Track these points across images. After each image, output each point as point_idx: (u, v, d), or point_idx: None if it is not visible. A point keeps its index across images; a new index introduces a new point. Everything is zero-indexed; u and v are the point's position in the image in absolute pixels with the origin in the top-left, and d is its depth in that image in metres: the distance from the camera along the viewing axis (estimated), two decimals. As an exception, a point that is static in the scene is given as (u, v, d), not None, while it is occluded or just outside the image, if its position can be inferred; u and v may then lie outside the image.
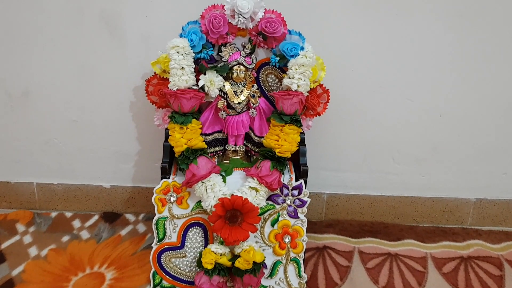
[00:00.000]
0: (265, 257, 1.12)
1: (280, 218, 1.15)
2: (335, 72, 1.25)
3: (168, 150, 1.16)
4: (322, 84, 1.18)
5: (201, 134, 1.15)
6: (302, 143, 1.17)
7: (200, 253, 1.13)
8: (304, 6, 1.26)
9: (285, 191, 1.15)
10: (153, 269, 1.15)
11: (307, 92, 1.14)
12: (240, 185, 1.13)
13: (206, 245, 1.15)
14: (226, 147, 1.24)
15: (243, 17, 1.11)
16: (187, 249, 1.16)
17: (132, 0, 1.27)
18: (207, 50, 1.14)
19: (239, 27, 1.13)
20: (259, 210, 1.09)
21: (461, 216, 1.52)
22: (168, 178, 1.15)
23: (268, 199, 1.15)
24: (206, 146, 1.14)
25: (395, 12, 1.28)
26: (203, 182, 1.10)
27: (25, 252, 1.30)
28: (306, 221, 1.16)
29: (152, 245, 1.15)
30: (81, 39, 1.31)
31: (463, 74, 1.35)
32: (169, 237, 1.15)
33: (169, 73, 1.10)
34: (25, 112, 1.41)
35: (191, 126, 1.12)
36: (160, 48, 1.13)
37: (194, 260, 1.16)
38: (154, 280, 1.16)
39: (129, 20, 1.29)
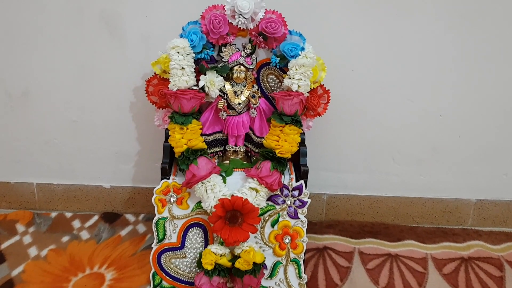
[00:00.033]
0: (265, 257, 1.12)
1: (280, 219, 1.15)
2: (335, 73, 1.24)
3: (168, 150, 1.16)
4: (323, 85, 1.18)
5: (201, 135, 1.15)
6: (302, 143, 1.17)
7: (200, 254, 1.12)
8: (304, 6, 1.26)
9: (285, 191, 1.15)
10: (153, 270, 1.15)
11: (307, 92, 1.14)
12: (240, 186, 1.13)
13: (206, 245, 1.15)
14: (226, 148, 1.24)
15: (244, 17, 1.10)
16: (187, 250, 1.16)
17: (132, 0, 1.27)
18: (208, 50, 1.14)
19: (240, 27, 1.13)
20: (259, 211, 1.09)
21: (461, 217, 1.52)
22: (168, 179, 1.15)
23: (268, 199, 1.15)
24: (206, 147, 1.14)
25: (395, 12, 1.28)
26: (203, 183, 1.10)
27: (25, 253, 1.30)
28: (306, 222, 1.16)
29: (152, 245, 1.15)
30: (81, 39, 1.31)
31: (464, 75, 1.35)
32: (169, 238, 1.15)
33: (169, 73, 1.10)
34: (25, 112, 1.41)
35: (191, 127, 1.11)
36: (160, 48, 1.13)
37: (194, 260, 1.16)
38: (154, 280, 1.16)
39: (129, 20, 1.29)
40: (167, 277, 1.16)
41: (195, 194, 1.12)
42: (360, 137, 1.42)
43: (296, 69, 1.11)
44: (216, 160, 1.23)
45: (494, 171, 1.47)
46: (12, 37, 1.32)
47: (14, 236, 1.37)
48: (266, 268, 1.15)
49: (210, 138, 1.21)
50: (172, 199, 1.14)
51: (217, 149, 1.24)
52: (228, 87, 1.17)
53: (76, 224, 1.45)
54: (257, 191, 1.10)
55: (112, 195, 1.51)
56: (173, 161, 1.20)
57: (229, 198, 1.06)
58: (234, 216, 1.06)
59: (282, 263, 1.16)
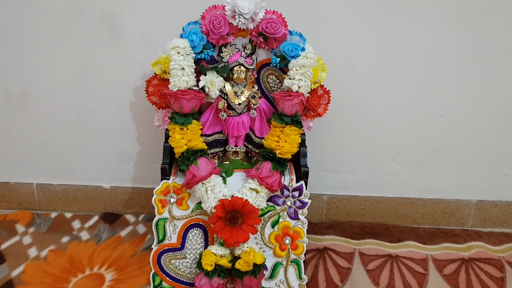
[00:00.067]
0: (265, 258, 1.12)
1: (280, 220, 1.15)
2: (335, 73, 1.24)
3: (168, 151, 1.16)
4: (323, 85, 1.17)
5: (202, 135, 1.14)
6: (302, 144, 1.17)
7: (200, 255, 1.12)
8: (304, 7, 1.26)
9: (286, 192, 1.15)
10: (153, 271, 1.15)
11: (307, 93, 1.14)
12: (241, 186, 1.13)
13: (206, 246, 1.15)
14: (226, 148, 1.24)
15: (244, 17, 1.10)
16: (187, 251, 1.15)
17: (132, 0, 1.27)
18: (208, 50, 1.14)
19: (240, 27, 1.13)
20: (259, 212, 1.09)
21: (462, 217, 1.52)
22: (168, 179, 1.15)
23: (268, 200, 1.14)
24: (206, 147, 1.14)
25: (395, 13, 1.28)
26: (203, 183, 1.10)
27: (24, 253, 1.30)
28: (307, 223, 1.16)
29: (152, 246, 1.15)
30: (81, 39, 1.31)
31: (464, 75, 1.35)
32: (169, 238, 1.14)
33: (170, 73, 1.10)
34: (25, 112, 1.41)
35: (191, 127, 1.11)
36: (160, 49, 1.13)
37: (194, 261, 1.15)
38: (154, 281, 1.16)
39: (129, 20, 1.29)
40: (167, 278, 1.16)
41: (195, 194, 1.12)
42: (360, 137, 1.42)
43: (297, 70, 1.10)
44: (216, 161, 1.23)
45: (495, 171, 1.47)
46: (12, 37, 1.32)
47: (14, 237, 1.37)
48: (266, 269, 1.15)
49: (210, 138, 1.20)
50: (172, 200, 1.13)
51: (217, 149, 1.24)
52: (228, 87, 1.17)
53: (76, 224, 1.44)
54: (257, 191, 1.10)
55: (112, 196, 1.51)
56: (173, 162, 1.20)
57: (229, 198, 1.06)
58: (234, 217, 1.06)
59: (282, 264, 1.16)
